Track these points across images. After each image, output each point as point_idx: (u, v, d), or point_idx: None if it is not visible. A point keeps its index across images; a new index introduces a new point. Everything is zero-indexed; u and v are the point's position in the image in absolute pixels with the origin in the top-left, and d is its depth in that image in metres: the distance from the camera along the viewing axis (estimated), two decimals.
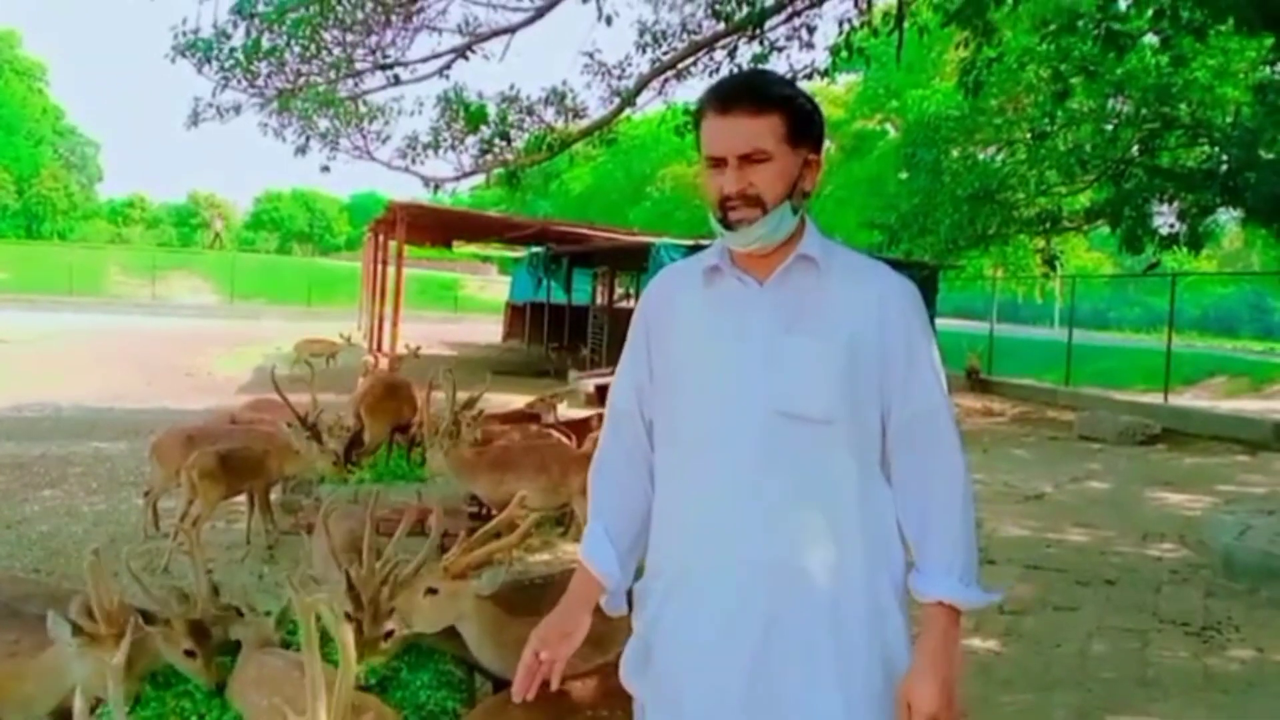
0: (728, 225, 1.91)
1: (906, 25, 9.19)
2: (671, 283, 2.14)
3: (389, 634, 3.49)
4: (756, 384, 1.92)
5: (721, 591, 1.95)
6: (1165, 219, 13.47)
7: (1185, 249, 12.86)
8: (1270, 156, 11.31)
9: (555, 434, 8.30)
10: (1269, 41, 10.82)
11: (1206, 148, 13.54)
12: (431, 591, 3.51)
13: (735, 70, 9.68)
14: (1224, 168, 11.93)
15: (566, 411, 15.31)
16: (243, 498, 6.97)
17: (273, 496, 7.14)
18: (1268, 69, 11.22)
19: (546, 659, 2.10)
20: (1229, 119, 13.34)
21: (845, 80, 36.98)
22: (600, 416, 8.94)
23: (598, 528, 2.15)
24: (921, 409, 1.93)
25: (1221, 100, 13.62)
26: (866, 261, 2.04)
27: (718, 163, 1.91)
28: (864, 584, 1.93)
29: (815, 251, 1.96)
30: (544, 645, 2.11)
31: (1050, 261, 15.70)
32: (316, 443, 6.66)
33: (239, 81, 9.96)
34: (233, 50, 9.33)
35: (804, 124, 1.92)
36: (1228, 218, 15.67)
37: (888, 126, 41.11)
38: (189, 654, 3.31)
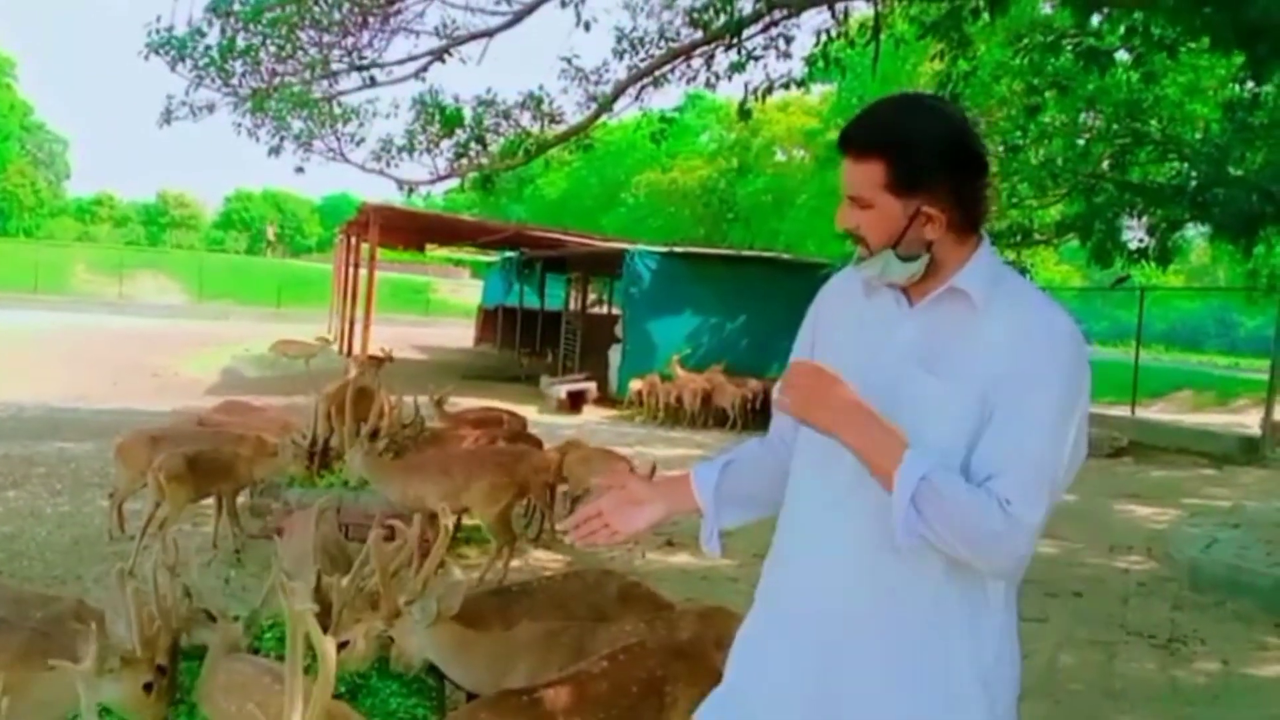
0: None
1: (883, 37, 9.25)
2: (841, 287, 2.04)
3: (343, 644, 3.45)
4: (879, 407, 1.77)
5: (783, 629, 1.91)
6: (1135, 233, 13.60)
7: (1154, 263, 12.97)
8: (1239, 173, 11.44)
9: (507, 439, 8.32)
10: (1239, 59, 10.98)
11: (1176, 163, 13.66)
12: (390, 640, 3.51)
13: (713, 79, 9.71)
14: (1193, 183, 12.04)
15: (537, 416, 15.33)
16: (209, 501, 6.89)
17: (239, 500, 7.06)
18: (1236, 87, 11.34)
19: (604, 518, 2.07)
20: (1198, 135, 13.47)
21: (820, 90, 37.16)
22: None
23: (722, 458, 2.13)
24: (1003, 466, 1.70)
25: (1191, 117, 13.77)
26: (1037, 298, 1.83)
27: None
28: (926, 641, 1.80)
29: (972, 286, 1.80)
30: (610, 504, 2.08)
31: (1021, 274, 15.80)
32: (320, 464, 6.71)
33: (213, 80, 9.90)
34: (207, 49, 9.26)
35: (914, 175, 1.78)
36: (1195, 233, 15.82)
37: None
38: (146, 688, 3.20)
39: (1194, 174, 12.52)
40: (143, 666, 3.10)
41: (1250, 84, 8.88)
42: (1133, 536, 9.24)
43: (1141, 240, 13.06)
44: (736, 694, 1.99)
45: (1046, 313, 1.79)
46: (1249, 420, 16.89)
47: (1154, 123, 13.37)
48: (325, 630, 3.74)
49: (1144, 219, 13.04)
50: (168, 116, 10.11)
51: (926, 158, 1.78)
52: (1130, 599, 7.22)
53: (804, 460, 1.96)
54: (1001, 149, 15.39)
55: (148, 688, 3.12)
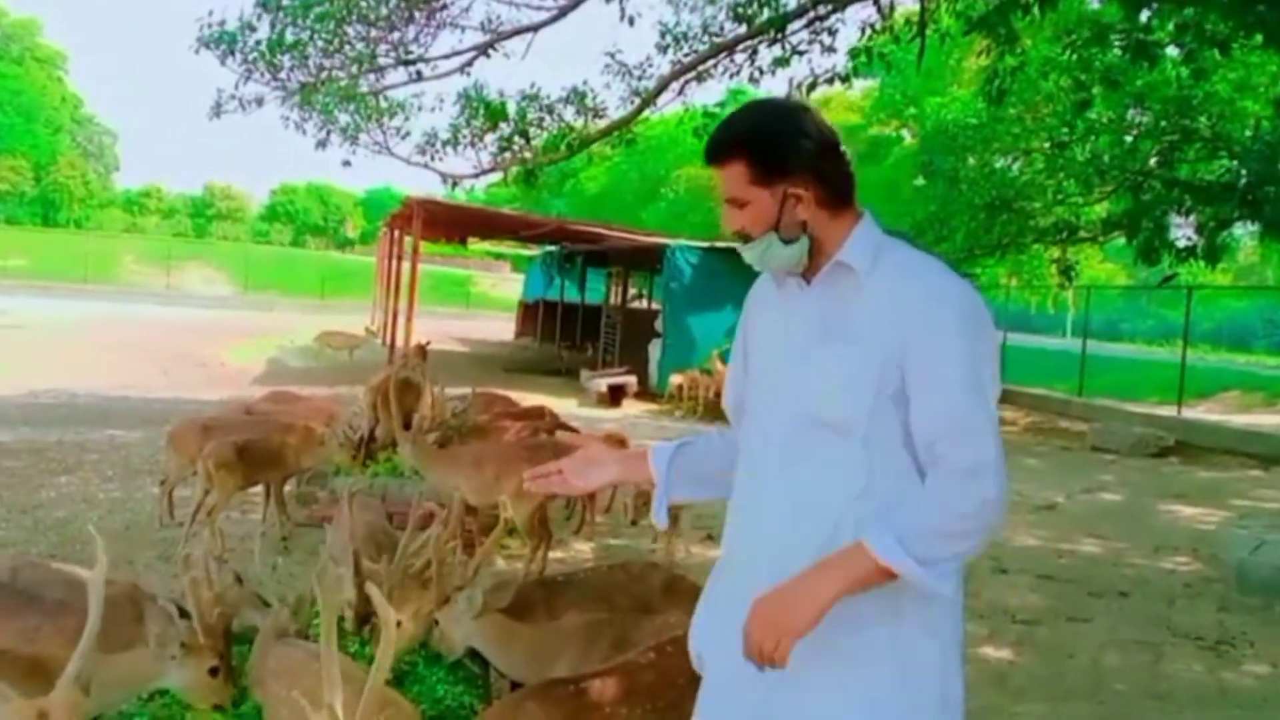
0: None
1: (928, 32, 9.17)
2: (760, 286, 2.22)
3: (398, 624, 3.54)
4: (790, 386, 1.99)
5: (740, 586, 2.00)
6: (1182, 231, 13.42)
7: (1202, 262, 12.79)
8: None
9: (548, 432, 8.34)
10: None
11: (1226, 161, 13.48)
12: (436, 623, 3.59)
13: (756, 73, 9.69)
14: (1243, 181, 11.87)
15: (577, 410, 15.40)
16: (258, 488, 7.00)
17: (287, 488, 7.16)
18: None
19: (563, 475, 2.27)
20: (1249, 133, 13.27)
21: (862, 86, 36.93)
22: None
23: (678, 441, 2.32)
24: (940, 428, 1.87)
25: (1241, 114, 13.55)
26: (921, 266, 1.97)
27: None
28: (871, 595, 1.87)
29: (854, 259, 1.95)
30: (570, 463, 2.28)
31: (1066, 272, 15.66)
32: (366, 454, 6.80)
33: (262, 74, 10.01)
34: (257, 43, 9.37)
35: (774, 161, 1.94)
36: (1244, 231, 15.58)
37: (903, 133, 41.05)
38: (212, 671, 3.27)
39: (1244, 172, 12.33)
40: (206, 652, 3.16)
41: None
42: (1179, 537, 9.13)
43: (1189, 238, 12.89)
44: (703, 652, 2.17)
45: (930, 277, 1.93)
46: None
47: (1203, 119, 13.19)
48: (366, 620, 3.84)
49: (1192, 217, 12.87)
50: (218, 109, 10.25)
51: (780, 145, 1.95)
52: (1176, 600, 7.14)
53: (747, 435, 2.14)
54: (1048, 145, 15.28)
55: (213, 671, 3.19)
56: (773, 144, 1.95)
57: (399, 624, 3.51)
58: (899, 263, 1.97)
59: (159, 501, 7.31)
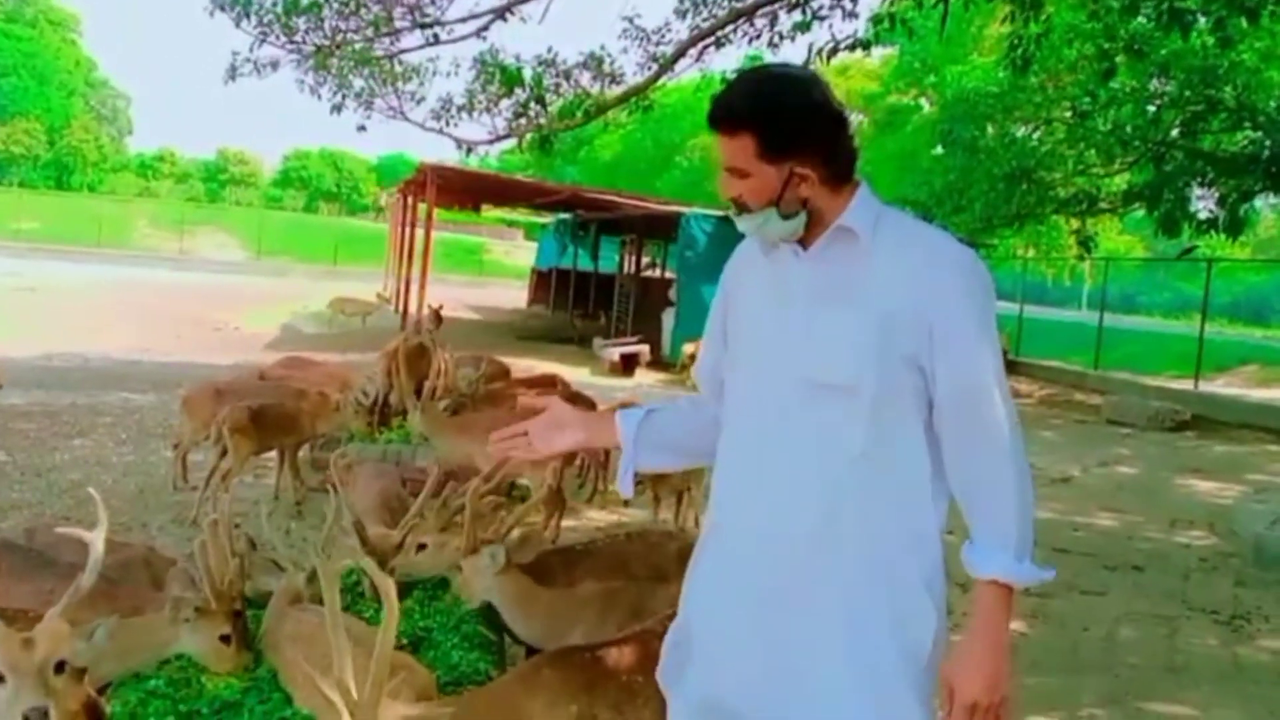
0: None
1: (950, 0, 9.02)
2: (742, 253, 2.17)
3: (422, 546, 3.61)
4: (789, 351, 1.95)
5: (736, 556, 2.01)
6: (1204, 203, 13.26)
7: (1224, 234, 12.64)
8: None
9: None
10: None
11: (1250, 132, 13.29)
12: (421, 546, 3.60)
13: (776, 39, 9.56)
14: (1267, 152, 11.70)
15: (590, 379, 15.38)
16: (271, 453, 7.00)
17: (301, 454, 7.16)
18: None
19: (528, 437, 2.23)
20: (1274, 103, 13.07)
21: (880, 54, 36.57)
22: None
23: (645, 406, 2.27)
24: (963, 384, 1.88)
25: (1267, 84, 13.35)
26: (921, 232, 1.98)
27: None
28: (872, 557, 1.91)
29: (856, 223, 1.93)
30: (535, 426, 2.23)
31: (1085, 243, 15.50)
32: (380, 420, 6.79)
33: (277, 37, 9.92)
34: (272, 5, 9.27)
35: (784, 138, 1.90)
36: (1264, 204, 15.40)
37: (922, 101, 40.70)
38: (224, 639, 3.26)
39: (1269, 143, 12.16)
40: (219, 617, 3.15)
41: None
42: (1194, 512, 9.08)
43: (1211, 210, 12.73)
44: (692, 635, 2.10)
45: (933, 240, 1.94)
46: None
47: (1228, 90, 12.98)
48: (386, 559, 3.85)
49: (1214, 188, 12.71)
50: (233, 73, 10.18)
51: (792, 124, 1.90)
52: (1192, 574, 7.10)
53: (735, 402, 2.08)
54: (1069, 114, 15.08)
55: (225, 639, 3.18)
56: (784, 122, 1.90)
57: (421, 546, 3.57)
58: (900, 227, 1.97)
59: (173, 465, 7.32)
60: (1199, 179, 12.63)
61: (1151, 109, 13.84)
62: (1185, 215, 12.35)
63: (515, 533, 3.70)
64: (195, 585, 3.18)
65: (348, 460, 5.06)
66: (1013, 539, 1.87)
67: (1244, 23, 8.24)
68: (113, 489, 7.13)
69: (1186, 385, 16.98)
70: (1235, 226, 12.39)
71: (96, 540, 2.71)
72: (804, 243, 1.98)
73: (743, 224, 1.99)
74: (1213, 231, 12.54)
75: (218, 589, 3.15)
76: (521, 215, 41.60)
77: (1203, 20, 8.90)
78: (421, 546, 3.66)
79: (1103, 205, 15.58)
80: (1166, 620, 6.04)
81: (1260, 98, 13.18)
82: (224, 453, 6.43)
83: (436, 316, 14.42)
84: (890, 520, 1.92)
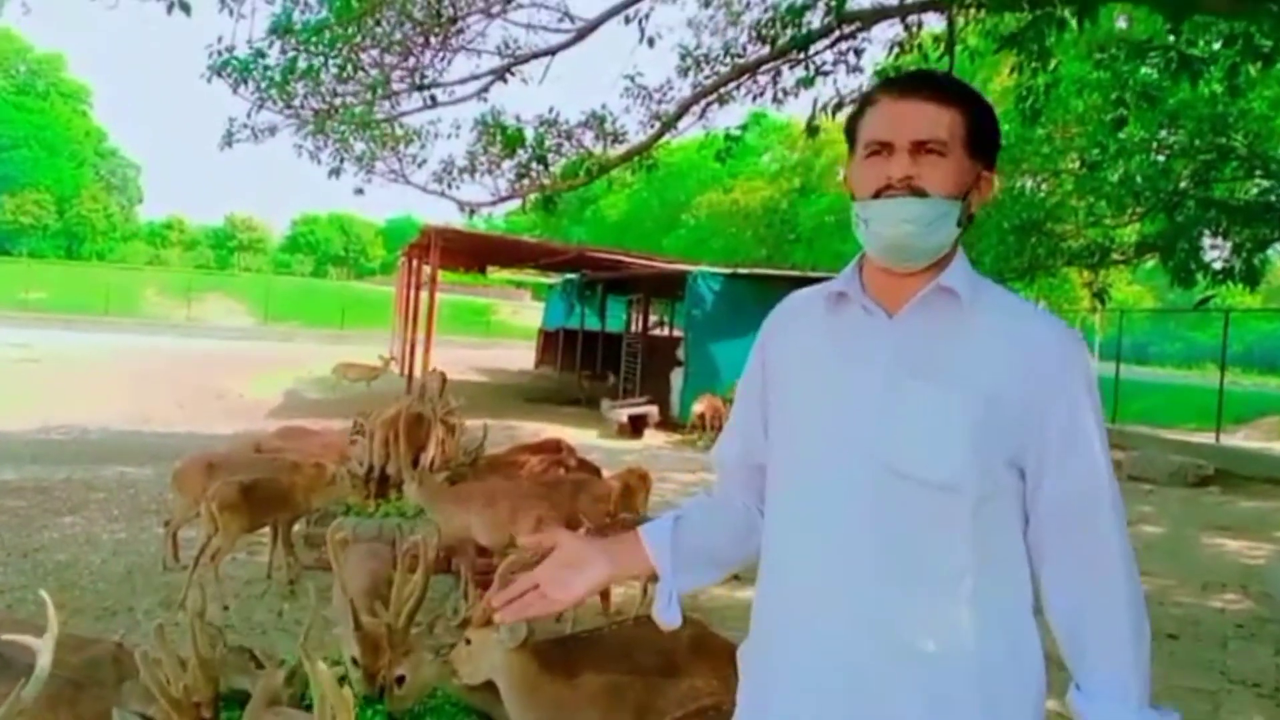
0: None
1: (956, 49, 8.90)
2: (791, 311, 1.86)
3: (400, 679, 3.31)
4: (868, 434, 1.63)
5: (804, 686, 1.67)
6: (1218, 252, 13.09)
7: (1240, 283, 12.45)
8: None
9: (565, 469, 8.09)
10: None
11: (1262, 180, 13.14)
12: (468, 641, 3.35)
13: (780, 95, 9.44)
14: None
15: (597, 440, 15.12)
16: (265, 530, 6.73)
17: (295, 529, 6.88)
18: None
19: (540, 589, 1.77)
20: None
21: None
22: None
23: (671, 514, 1.88)
24: (1080, 488, 1.61)
25: (1278, 131, 13.22)
26: (1022, 304, 1.73)
27: (882, 149, 1.63)
28: (975, 689, 1.61)
29: (960, 284, 1.65)
30: (546, 571, 1.78)
31: (1100, 295, 15.29)
32: (378, 492, 6.55)
33: (275, 102, 9.82)
34: (268, 70, 9.18)
35: (984, 133, 1.67)
36: (1276, 252, 15.22)
37: None
38: None
39: None
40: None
41: None
42: (1226, 573, 8.73)
43: (1226, 260, 12.56)
44: None
45: (1044, 320, 1.68)
46: None
47: (1239, 138, 12.85)
48: (376, 674, 3.59)
49: (1228, 238, 12.55)
50: (229, 139, 10.06)
51: (992, 123, 1.70)
52: (1229, 643, 6.75)
53: (790, 492, 1.75)
54: (1079, 165, 14.93)
55: None
56: (990, 119, 1.69)
57: (400, 679, 3.28)
58: (1000, 296, 1.70)
59: (163, 544, 7.05)
60: (1212, 228, 12.48)
61: (1161, 159, 13.71)
62: (1200, 265, 12.20)
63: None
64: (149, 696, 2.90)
65: (342, 535, 4.79)
66: (1134, 690, 1.60)
67: (1256, 68, 8.08)
68: (100, 570, 6.86)
69: (1207, 438, 16.67)
70: (1251, 276, 12.23)
71: (44, 650, 2.44)
72: (882, 305, 1.69)
73: (905, 207, 1.61)
74: (1229, 281, 12.37)
75: (175, 700, 2.86)
76: (528, 276, 41.60)
77: (1213, 68, 8.77)
78: (400, 679, 3.34)
79: (1115, 256, 15.39)
80: (1208, 694, 5.70)
81: (1271, 145, 13.05)
82: (213, 531, 6.17)
83: (442, 379, 14.19)
84: (1004, 649, 1.63)
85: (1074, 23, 6.60)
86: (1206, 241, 12.86)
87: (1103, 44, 10.12)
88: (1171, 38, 7.27)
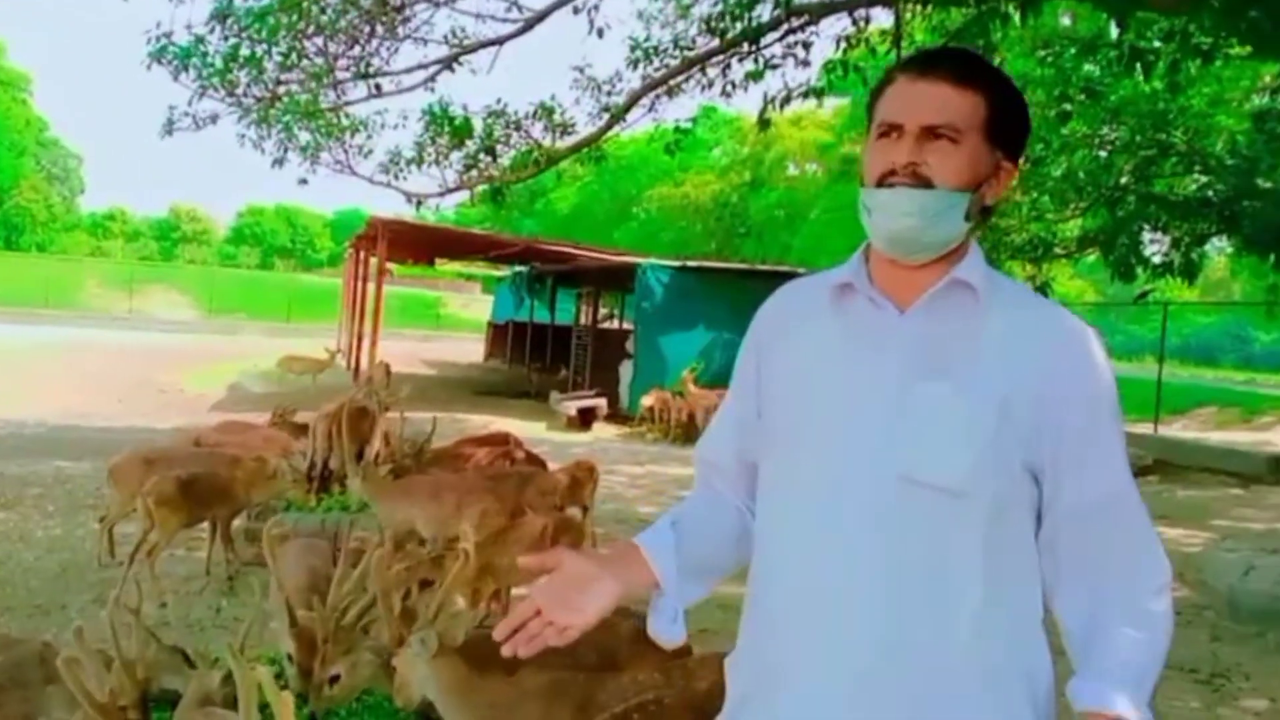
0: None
1: (903, 45, 8.96)
2: (790, 301, 1.77)
3: (334, 679, 3.23)
4: (878, 438, 1.54)
5: (809, 700, 1.59)
6: (1158, 247, 13.34)
7: (1180, 278, 12.71)
8: (1268, 185, 11.15)
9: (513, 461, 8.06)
10: (1270, 68, 10.68)
11: (1201, 176, 13.40)
12: (334, 679, 3.30)
13: (729, 88, 9.45)
14: (1220, 196, 11.77)
15: (546, 434, 15.06)
16: (204, 525, 6.61)
17: (236, 524, 6.77)
18: (1268, 97, 11.07)
19: (545, 616, 1.60)
20: (1222, 147, 13.19)
21: (833, 104, 36.91)
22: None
23: (666, 520, 1.75)
24: (1100, 496, 1.54)
25: (1216, 128, 13.48)
26: (1039, 300, 1.66)
27: (892, 131, 1.56)
28: (982, 700, 1.55)
29: (976, 279, 1.56)
30: (548, 596, 1.61)
31: (1042, 288, 15.50)
32: (320, 487, 6.45)
33: (216, 90, 9.65)
34: (209, 57, 9.01)
35: (1008, 119, 1.58)
36: (1213, 247, 15.53)
37: None
38: None
39: (1221, 186, 12.24)
40: None
41: None
42: None
43: (1165, 254, 12.81)
44: None
45: (1064, 317, 1.60)
46: (1275, 438, 16.52)
47: (1179, 134, 13.09)
48: (311, 671, 3.52)
49: (1168, 233, 12.79)
50: (169, 127, 9.88)
51: (1018, 109, 1.60)
52: None
53: (789, 496, 1.64)
54: (1023, 162, 15.15)
55: None
56: (1015, 103, 1.60)
57: (335, 678, 3.21)
58: (1016, 292, 1.63)
59: (99, 540, 6.90)
60: (1152, 223, 12.70)
61: (1104, 154, 13.92)
62: (1140, 259, 12.44)
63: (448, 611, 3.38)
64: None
65: (279, 531, 4.71)
66: (1129, 675, 1.52)
67: (1196, 66, 8.23)
68: (34, 567, 6.70)
69: (1146, 429, 16.95)
70: (1190, 270, 12.50)
71: None
72: (892, 298, 1.60)
73: (906, 200, 1.53)
74: (1169, 275, 12.62)
75: (99, 703, 2.78)
76: (478, 269, 41.36)
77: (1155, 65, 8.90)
78: (334, 679, 3.26)
79: (1058, 250, 15.61)
80: None
81: (1210, 142, 13.30)
82: (150, 526, 6.05)
83: (386, 372, 14.06)
84: (1014, 657, 1.56)
85: (1017, 18, 6.66)
86: (1146, 236, 13.10)
87: (1047, 40, 10.25)
88: (1117, 33, 7.38)
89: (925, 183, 1.52)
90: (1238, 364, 37.44)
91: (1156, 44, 8.02)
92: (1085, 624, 1.55)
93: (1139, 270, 12.42)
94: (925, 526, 1.52)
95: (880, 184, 1.55)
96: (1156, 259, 12.74)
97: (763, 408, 1.71)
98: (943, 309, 1.57)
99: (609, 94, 10.24)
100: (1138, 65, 7.31)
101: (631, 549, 1.69)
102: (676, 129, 10.11)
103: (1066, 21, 12.93)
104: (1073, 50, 9.16)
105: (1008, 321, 1.55)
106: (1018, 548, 1.56)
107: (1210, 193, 12.22)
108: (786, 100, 9.09)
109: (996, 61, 8.70)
